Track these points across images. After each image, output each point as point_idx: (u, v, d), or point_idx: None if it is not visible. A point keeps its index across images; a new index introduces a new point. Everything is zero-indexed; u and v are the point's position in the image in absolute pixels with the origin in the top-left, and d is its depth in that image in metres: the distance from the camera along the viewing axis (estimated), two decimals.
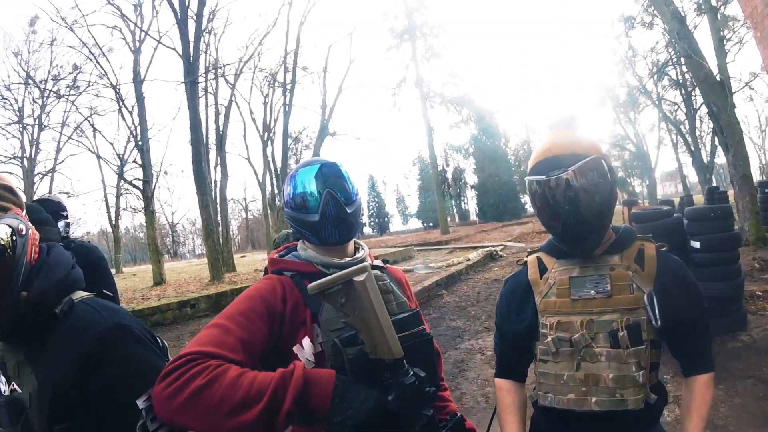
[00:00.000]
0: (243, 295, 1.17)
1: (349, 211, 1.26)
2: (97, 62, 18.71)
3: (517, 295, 1.49)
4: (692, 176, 30.11)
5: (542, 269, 1.45)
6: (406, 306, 1.29)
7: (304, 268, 1.26)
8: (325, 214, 1.23)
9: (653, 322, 1.22)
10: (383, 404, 0.92)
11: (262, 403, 0.88)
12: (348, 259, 1.29)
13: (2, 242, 0.95)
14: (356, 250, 1.37)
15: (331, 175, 1.27)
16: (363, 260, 1.31)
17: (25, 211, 1.08)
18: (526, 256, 1.54)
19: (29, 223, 1.06)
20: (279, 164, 21.94)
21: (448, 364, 5.38)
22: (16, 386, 1.02)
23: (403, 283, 1.43)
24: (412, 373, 0.97)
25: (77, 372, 0.97)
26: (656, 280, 1.29)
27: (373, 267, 1.31)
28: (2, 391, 1.04)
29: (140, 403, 0.97)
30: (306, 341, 1.14)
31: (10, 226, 0.97)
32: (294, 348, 1.14)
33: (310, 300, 1.15)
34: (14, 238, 0.98)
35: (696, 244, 5.06)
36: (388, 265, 1.44)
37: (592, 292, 1.32)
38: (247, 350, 1.03)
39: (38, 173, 23.44)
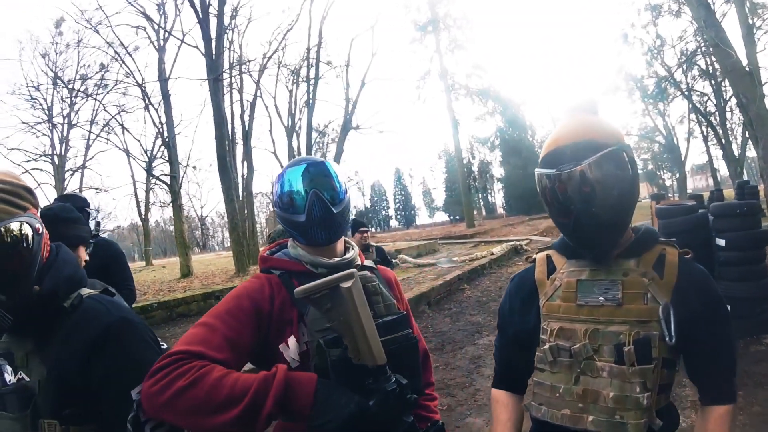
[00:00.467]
0: (232, 293, 1.19)
1: (335, 211, 1.23)
2: (123, 62, 19.17)
3: (521, 295, 1.36)
4: (723, 169, 29.28)
5: (551, 269, 1.31)
6: (395, 308, 1.28)
7: (293, 267, 1.26)
8: (311, 214, 1.21)
9: (667, 338, 1.07)
10: (363, 409, 0.95)
11: (243, 404, 0.92)
12: (337, 259, 1.28)
13: (24, 238, 1.05)
14: (346, 249, 1.36)
15: (317, 174, 1.25)
16: (352, 261, 1.30)
17: (39, 211, 1.17)
18: (536, 253, 1.41)
19: (42, 222, 1.14)
20: None
21: (465, 360, 5.39)
22: (24, 375, 1.09)
23: (393, 284, 1.43)
24: (394, 379, 1.00)
25: (82, 359, 1.07)
26: (675, 291, 1.14)
27: (363, 267, 1.32)
28: (8, 380, 1.11)
29: (134, 394, 1.03)
30: (292, 340, 1.16)
31: (30, 225, 1.07)
32: (280, 346, 1.16)
33: (298, 299, 1.14)
34: (33, 235, 1.07)
35: (721, 242, 4.92)
36: (379, 265, 1.45)
37: (601, 298, 1.17)
38: (233, 349, 1.07)
39: (68, 170, 23.99)
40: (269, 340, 1.16)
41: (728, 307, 1.26)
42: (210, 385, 0.93)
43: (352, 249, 1.35)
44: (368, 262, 1.39)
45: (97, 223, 3.06)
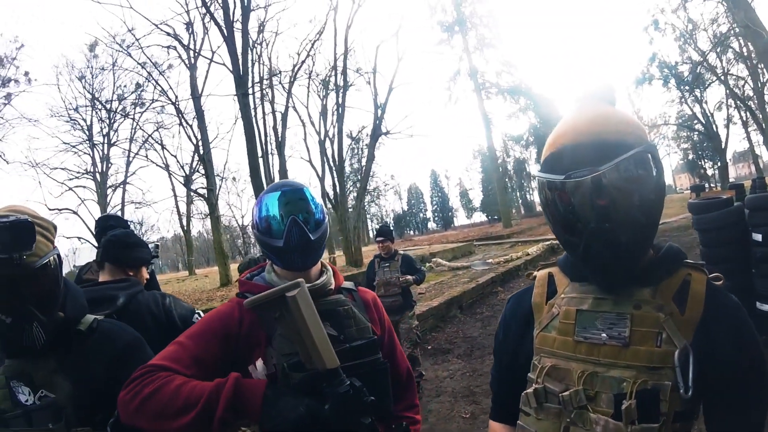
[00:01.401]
0: (206, 316, 1.28)
1: (312, 238, 1.26)
2: (156, 82, 19.81)
3: (517, 319, 1.16)
4: (766, 156, 28.09)
5: (551, 291, 1.10)
6: (368, 332, 1.31)
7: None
8: (289, 240, 1.25)
9: (681, 390, 0.85)
10: (314, 412, 1.02)
11: (197, 408, 1.01)
12: (308, 285, 1.26)
13: (59, 269, 1.26)
14: (321, 273, 1.37)
15: (294, 200, 1.29)
16: (323, 286, 1.31)
17: (105, 237, 1.42)
18: (538, 270, 1.19)
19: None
20: (337, 165, 22.29)
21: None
22: (47, 393, 1.25)
23: (371, 305, 1.43)
24: (348, 382, 1.06)
25: (110, 370, 1.28)
26: (699, 330, 0.91)
27: (341, 290, 1.37)
28: (24, 400, 1.25)
29: None
30: (259, 362, 1.21)
31: (60, 258, 1.28)
32: (249, 367, 1.21)
33: (266, 323, 1.19)
34: (61, 266, 1.29)
35: (758, 237, 4.72)
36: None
37: (604, 335, 0.95)
38: (200, 366, 1.14)
39: (110, 186, 24.86)
40: (239, 360, 1.21)
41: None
42: (171, 392, 1.03)
43: (326, 273, 1.37)
44: (348, 284, 1.43)
45: (156, 246, 3.33)
